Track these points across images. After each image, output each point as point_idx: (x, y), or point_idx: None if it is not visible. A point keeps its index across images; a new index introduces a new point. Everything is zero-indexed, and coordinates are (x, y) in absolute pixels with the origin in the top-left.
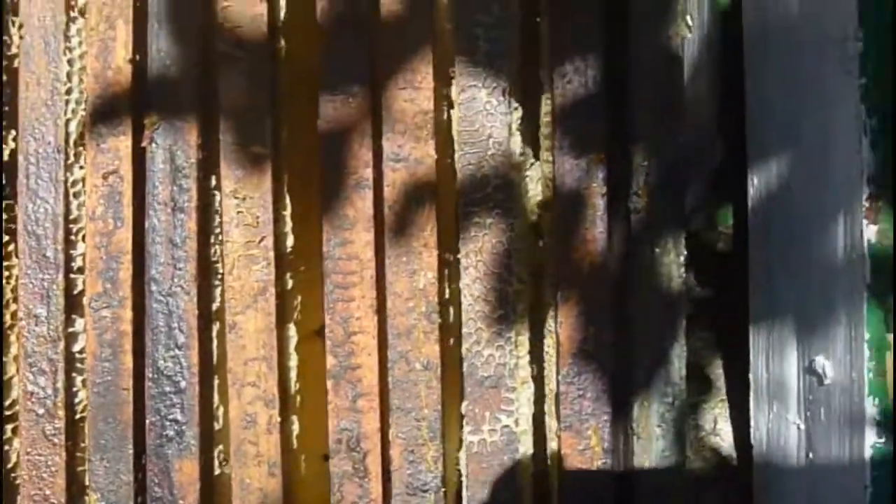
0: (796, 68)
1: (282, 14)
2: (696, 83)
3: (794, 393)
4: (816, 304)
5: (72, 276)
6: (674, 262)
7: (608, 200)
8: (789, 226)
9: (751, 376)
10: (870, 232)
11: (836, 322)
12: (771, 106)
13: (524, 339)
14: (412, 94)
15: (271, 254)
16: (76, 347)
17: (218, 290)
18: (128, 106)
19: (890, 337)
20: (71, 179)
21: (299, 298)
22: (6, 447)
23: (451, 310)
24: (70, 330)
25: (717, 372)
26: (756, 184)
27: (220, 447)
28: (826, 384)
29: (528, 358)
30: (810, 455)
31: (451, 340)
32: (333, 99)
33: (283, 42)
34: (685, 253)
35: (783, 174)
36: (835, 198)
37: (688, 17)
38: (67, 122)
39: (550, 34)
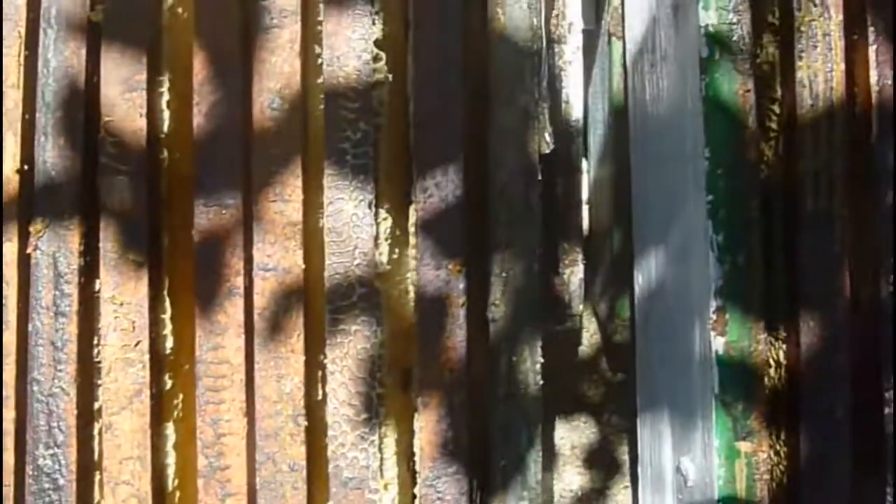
0: (667, 176)
1: (165, 126)
2: (600, 173)
3: (669, 489)
4: (683, 406)
5: None
6: (530, 370)
7: (467, 310)
8: (665, 324)
9: (639, 467)
10: (717, 343)
11: (694, 427)
12: (650, 208)
13: (391, 441)
14: (282, 206)
15: (147, 357)
16: None
17: (100, 391)
18: (15, 213)
19: (740, 445)
20: None
21: (181, 397)
22: None
23: (318, 413)
24: None
25: (624, 458)
26: (639, 280)
27: None
28: (689, 486)
29: (394, 460)
30: None
31: (318, 442)
32: (208, 209)
33: (165, 153)
34: (541, 360)
35: (660, 274)
36: (692, 306)
37: (546, 134)
38: None
39: (415, 148)
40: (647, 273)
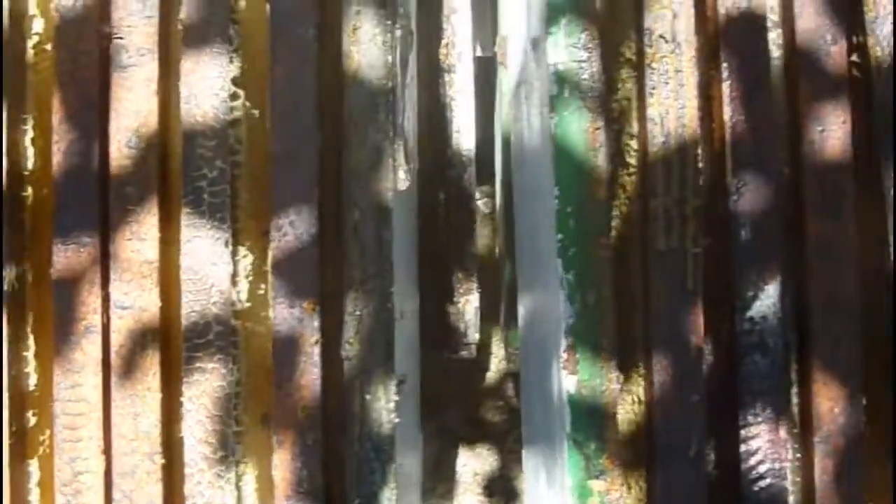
0: (532, 211)
1: (30, 163)
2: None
3: None
4: (547, 442)
5: None
6: (384, 408)
7: (322, 348)
8: (537, 358)
9: (525, 497)
10: (569, 383)
11: (554, 464)
12: (526, 240)
13: (251, 478)
14: (138, 245)
15: (5, 395)
16: None
17: None
18: None
19: (592, 484)
20: None
21: (47, 434)
22: None
23: (176, 451)
24: None
25: (522, 486)
26: (522, 311)
27: None
28: None
29: (254, 497)
30: None
31: (176, 480)
32: (66, 247)
33: (30, 190)
34: (396, 399)
35: (535, 307)
36: (551, 344)
37: (401, 171)
38: None
39: (272, 188)
40: (527, 304)
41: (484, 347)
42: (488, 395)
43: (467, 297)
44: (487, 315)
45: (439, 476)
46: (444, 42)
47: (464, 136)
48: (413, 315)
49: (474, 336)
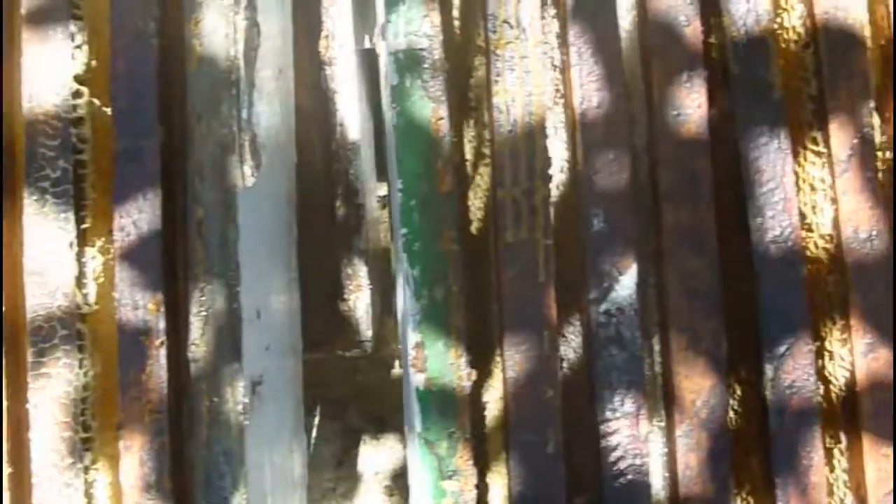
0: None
1: None
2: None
3: None
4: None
5: None
6: (232, 411)
7: (168, 349)
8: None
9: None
10: (418, 380)
11: (414, 467)
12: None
13: (103, 484)
14: None
15: None
16: None
17: None
18: None
19: (445, 485)
20: None
21: None
22: None
23: (23, 457)
24: None
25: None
26: (399, 307)
27: None
28: None
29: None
30: None
31: (24, 487)
32: None
33: None
34: (245, 401)
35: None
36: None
37: (247, 167)
38: None
39: (115, 185)
40: (400, 299)
41: (384, 344)
42: (390, 392)
43: (357, 293)
44: (388, 311)
45: (340, 475)
46: (323, 34)
47: (348, 129)
48: (289, 312)
49: (367, 333)
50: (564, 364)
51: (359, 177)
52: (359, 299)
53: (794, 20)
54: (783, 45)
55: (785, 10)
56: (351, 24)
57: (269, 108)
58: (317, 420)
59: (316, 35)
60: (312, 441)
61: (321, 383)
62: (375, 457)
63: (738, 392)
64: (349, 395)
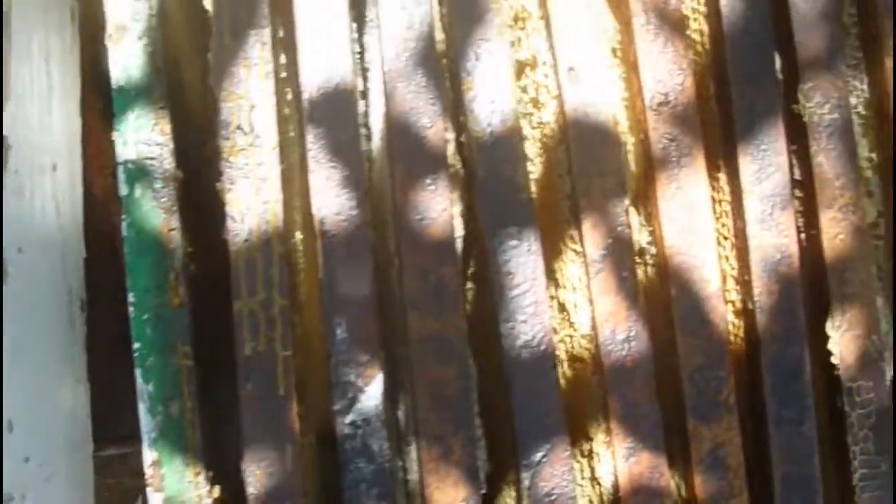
0: None
1: None
2: None
3: None
4: None
5: None
6: None
7: None
8: None
9: None
10: (156, 500)
11: None
12: None
13: None
14: None
15: None
16: None
17: None
18: None
19: None
20: None
21: None
22: None
23: None
24: None
25: None
26: None
27: None
28: None
29: None
30: None
31: None
32: None
33: None
34: None
35: None
36: None
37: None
38: None
39: None
40: None
41: None
42: None
43: None
44: None
45: None
46: None
47: None
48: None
49: None
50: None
51: None
52: None
53: (548, 116)
54: (540, 142)
55: (539, 106)
56: None
57: (42, 204)
58: None
59: None
60: None
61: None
62: None
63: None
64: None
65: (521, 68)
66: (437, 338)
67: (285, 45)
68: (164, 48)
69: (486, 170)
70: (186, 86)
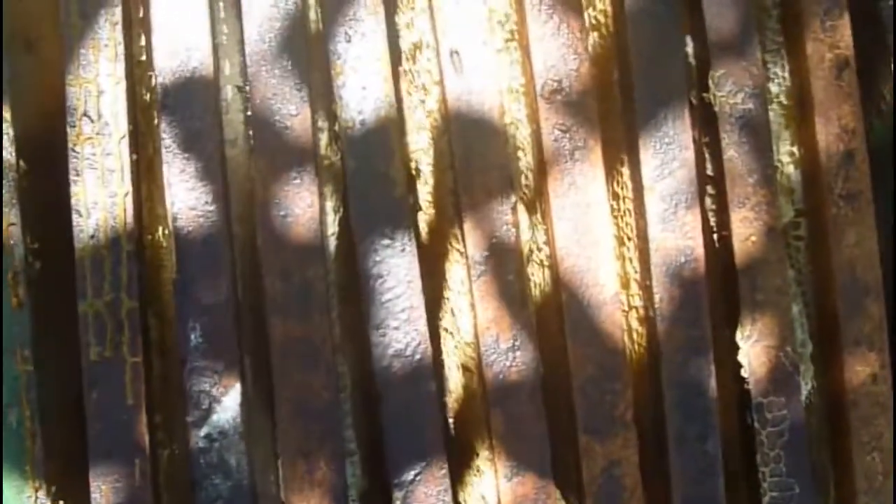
0: None
1: None
2: None
3: None
4: None
5: None
6: None
7: None
8: None
9: None
10: None
11: None
12: None
13: None
14: None
15: None
16: None
17: None
18: None
19: None
20: None
21: None
22: None
23: None
24: None
25: None
26: None
27: None
28: None
29: None
30: None
31: None
32: None
33: None
34: None
35: None
36: None
37: None
38: None
39: None
40: None
41: None
42: None
43: None
44: None
45: None
46: None
47: None
48: None
49: None
50: (163, 495)
51: None
52: None
53: (431, 104)
54: (429, 133)
55: (427, 93)
56: None
57: None
58: None
59: None
60: None
61: None
62: None
63: None
64: None
65: (413, 51)
66: (301, 343)
67: (145, 25)
68: (10, 28)
69: (357, 163)
70: (45, 67)
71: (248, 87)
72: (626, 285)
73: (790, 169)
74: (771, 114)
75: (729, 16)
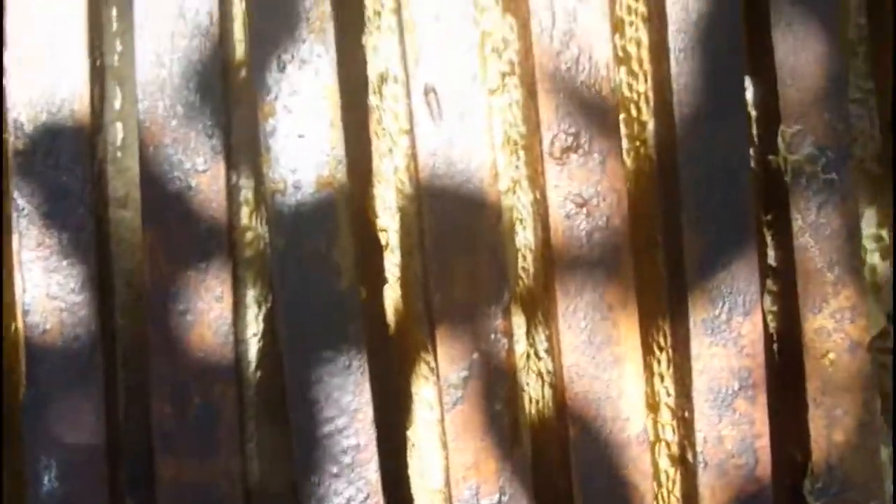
0: None
1: None
2: None
3: None
4: None
5: None
6: None
7: None
8: None
9: None
10: None
11: None
12: None
13: None
14: None
15: None
16: None
17: None
18: None
19: None
20: None
21: None
22: None
23: None
24: None
25: None
26: None
27: None
28: None
29: None
30: None
31: None
32: None
33: None
34: None
35: None
36: None
37: None
38: None
39: None
40: None
41: None
42: None
43: None
44: None
45: None
46: None
47: None
48: None
49: None
50: None
51: None
52: None
53: (398, 160)
54: (397, 200)
55: (392, 141)
56: None
57: None
58: None
59: None
60: None
61: None
62: None
63: None
64: None
65: (379, 83)
66: (200, 491)
67: None
68: None
69: (288, 241)
70: None
71: (139, 129)
72: (654, 408)
73: (876, 259)
74: None
75: (809, 50)
